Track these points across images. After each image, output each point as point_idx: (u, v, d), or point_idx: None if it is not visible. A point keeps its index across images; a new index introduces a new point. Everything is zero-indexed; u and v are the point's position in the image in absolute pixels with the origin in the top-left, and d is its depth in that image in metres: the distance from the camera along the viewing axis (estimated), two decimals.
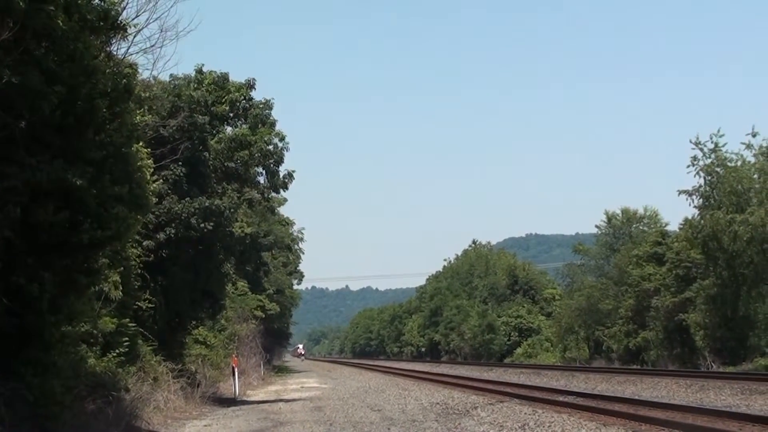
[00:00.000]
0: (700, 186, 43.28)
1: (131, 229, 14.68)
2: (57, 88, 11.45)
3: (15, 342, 12.48)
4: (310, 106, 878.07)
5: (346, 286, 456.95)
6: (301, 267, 75.25)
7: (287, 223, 67.33)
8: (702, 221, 42.33)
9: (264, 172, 28.74)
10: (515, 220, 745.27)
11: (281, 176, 29.21)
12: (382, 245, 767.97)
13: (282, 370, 68.50)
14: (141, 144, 18.09)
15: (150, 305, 22.67)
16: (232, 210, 26.08)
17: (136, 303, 21.59)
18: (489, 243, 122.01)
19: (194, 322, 29.65)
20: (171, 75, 26.07)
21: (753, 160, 41.30)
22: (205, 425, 19.00)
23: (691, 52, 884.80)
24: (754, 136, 41.07)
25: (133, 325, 20.25)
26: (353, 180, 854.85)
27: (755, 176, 40.94)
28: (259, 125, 28.07)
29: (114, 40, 14.12)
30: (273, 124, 28.58)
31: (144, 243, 22.08)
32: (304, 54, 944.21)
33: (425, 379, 39.26)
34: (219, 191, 26.14)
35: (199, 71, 27.71)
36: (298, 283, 79.93)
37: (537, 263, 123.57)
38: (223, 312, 33.78)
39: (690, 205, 43.96)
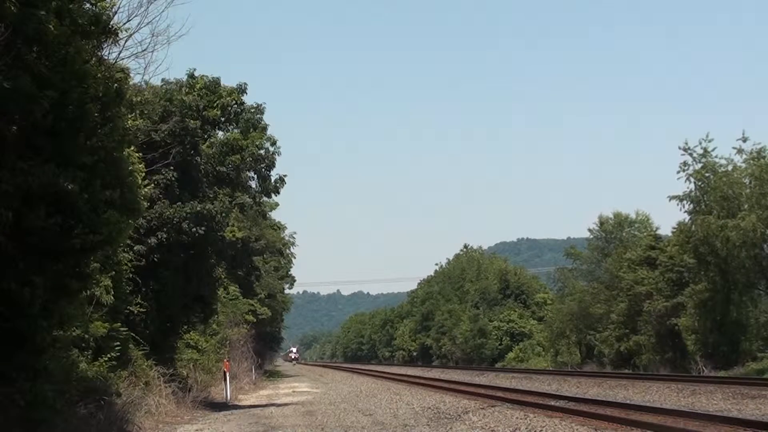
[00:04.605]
0: (691, 191, 43.53)
1: (123, 234, 14.64)
2: (48, 92, 11.42)
3: (6, 346, 12.44)
4: (302, 110, 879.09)
5: (338, 291, 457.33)
6: (293, 271, 75.32)
7: (279, 227, 67.35)
8: (693, 226, 42.52)
9: (255, 176, 28.78)
10: (507, 224, 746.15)
11: (273, 180, 29.28)
12: (374, 250, 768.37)
13: (274, 375, 68.38)
14: (132, 148, 18.07)
15: (141, 310, 22.60)
16: (223, 214, 26.05)
17: (128, 307, 21.52)
18: (480, 247, 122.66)
19: (186, 327, 29.58)
20: (162, 79, 26.09)
21: (744, 165, 41.53)
22: (197, 429, 18.95)
23: (685, 54, 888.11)
24: (744, 141, 41.34)
25: (125, 329, 20.18)
26: (346, 184, 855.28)
27: (746, 180, 41.14)
28: (251, 130, 28.09)
29: (105, 45, 14.07)
30: (265, 128, 28.64)
31: (135, 247, 22.02)
32: (295, 57, 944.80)
33: (417, 383, 39.25)
34: (210, 196, 26.10)
35: (191, 76, 27.67)
36: (290, 288, 79.91)
37: (528, 268, 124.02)
38: (215, 316, 33.68)
39: (681, 210, 44.26)
